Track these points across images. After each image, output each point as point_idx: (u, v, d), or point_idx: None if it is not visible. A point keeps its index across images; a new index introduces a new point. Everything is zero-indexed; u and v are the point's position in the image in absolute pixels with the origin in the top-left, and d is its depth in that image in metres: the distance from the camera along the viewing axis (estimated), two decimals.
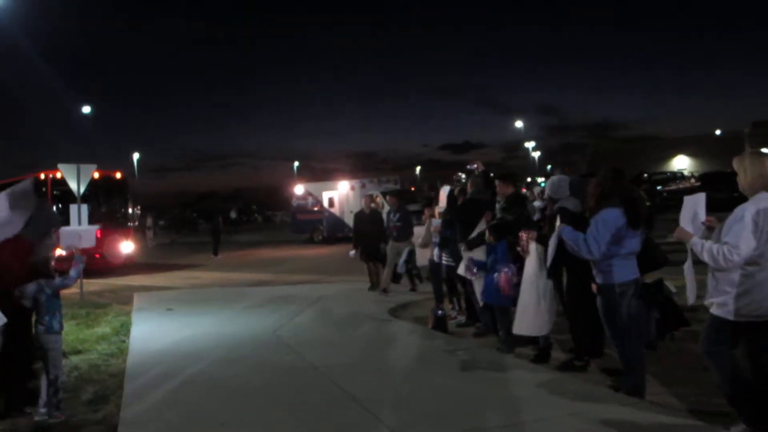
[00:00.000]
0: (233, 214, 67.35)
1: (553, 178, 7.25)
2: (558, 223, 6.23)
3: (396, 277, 13.20)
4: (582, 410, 5.41)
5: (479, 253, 8.03)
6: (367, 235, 13.65)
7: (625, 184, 5.95)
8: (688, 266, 5.05)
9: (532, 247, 6.97)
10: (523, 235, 7.07)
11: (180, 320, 10.93)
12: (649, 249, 5.92)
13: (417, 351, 7.93)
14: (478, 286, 8.31)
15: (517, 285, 7.33)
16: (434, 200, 10.92)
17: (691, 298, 5.08)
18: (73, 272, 6.16)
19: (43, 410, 5.86)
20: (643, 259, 5.85)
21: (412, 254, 13.08)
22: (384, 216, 14.56)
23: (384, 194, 31.91)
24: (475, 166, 10.95)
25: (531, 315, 7.01)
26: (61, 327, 6.14)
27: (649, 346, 5.84)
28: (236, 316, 11.13)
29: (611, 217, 5.63)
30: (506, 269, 7.38)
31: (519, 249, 7.15)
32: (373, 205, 14.61)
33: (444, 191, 9.41)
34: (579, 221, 6.11)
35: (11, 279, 5.87)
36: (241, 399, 6.31)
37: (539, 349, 7.27)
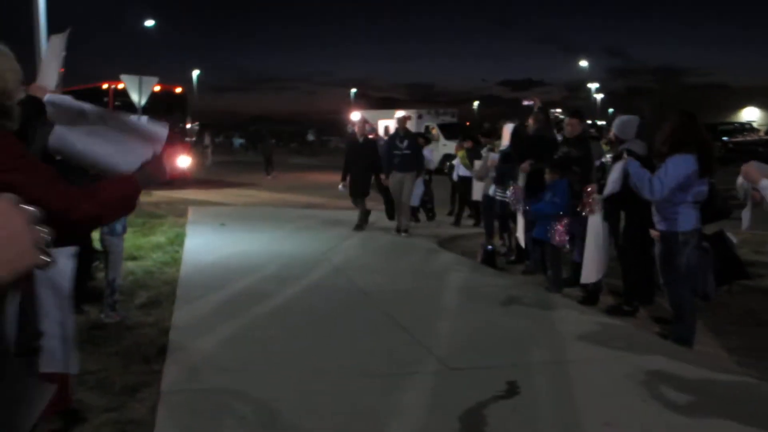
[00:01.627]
0: (311, 137, 67.36)
1: (623, 117, 7.01)
2: (623, 159, 6.05)
3: (413, 212, 12.77)
4: (628, 355, 5.38)
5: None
6: (358, 167, 12.11)
7: (700, 131, 5.75)
8: (746, 212, 4.81)
9: (596, 198, 6.79)
10: (587, 190, 6.89)
11: (232, 236, 11.14)
12: (713, 198, 5.76)
13: (465, 283, 7.94)
14: (520, 223, 8.28)
15: (570, 237, 7.28)
16: (492, 134, 10.71)
17: (745, 222, 4.74)
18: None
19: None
20: (707, 209, 5.69)
21: (427, 186, 12.93)
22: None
23: (440, 127, 31.69)
24: (532, 102, 10.67)
25: (596, 262, 6.92)
26: (124, 230, 6.31)
27: (704, 297, 5.74)
28: (287, 236, 11.28)
29: (684, 162, 5.46)
30: (564, 221, 7.26)
31: (580, 207, 6.97)
32: (371, 134, 13.85)
33: (508, 128, 9.18)
34: (645, 165, 5.95)
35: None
36: (290, 317, 6.43)
37: (588, 292, 7.21)
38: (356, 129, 12.86)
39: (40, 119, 2.73)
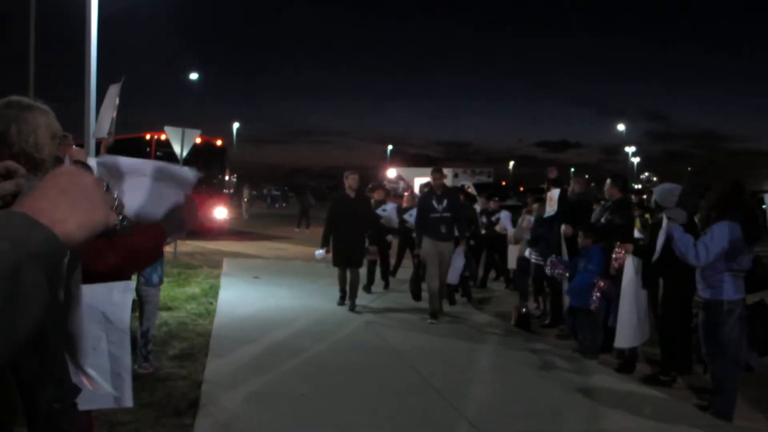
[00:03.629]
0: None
1: (665, 185, 7.00)
2: (665, 222, 6.00)
3: (450, 293, 10.35)
4: (664, 426, 5.27)
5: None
6: (349, 229, 9.80)
7: (746, 198, 5.72)
8: None
9: (629, 260, 6.75)
10: (621, 249, 6.86)
11: (266, 289, 11.19)
12: (756, 267, 5.67)
13: (498, 346, 7.85)
14: (566, 286, 8.17)
15: (605, 299, 7.19)
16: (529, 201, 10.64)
17: None
18: None
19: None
20: (750, 278, 5.60)
21: (470, 261, 10.71)
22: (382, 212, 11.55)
23: (476, 186, 31.70)
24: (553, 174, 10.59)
25: (632, 327, 6.81)
26: (160, 281, 6.38)
27: (747, 368, 5.59)
28: (320, 291, 11.28)
29: (728, 230, 5.41)
30: (601, 285, 7.19)
31: (613, 260, 6.93)
32: (404, 189, 12.77)
33: (554, 194, 9.12)
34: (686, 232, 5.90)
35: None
36: (322, 373, 6.41)
37: (624, 359, 7.07)
38: (347, 182, 10.11)
39: None
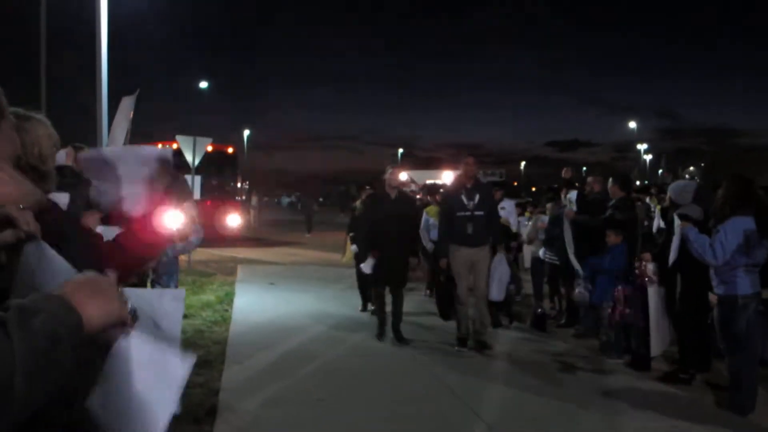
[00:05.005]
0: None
1: (679, 182, 7.00)
2: (677, 223, 5.98)
3: (495, 313, 8.37)
4: (684, 425, 5.23)
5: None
6: (389, 237, 7.83)
7: (757, 193, 5.69)
8: None
9: (651, 268, 6.71)
10: (642, 259, 6.84)
11: (280, 295, 11.22)
12: None
13: (515, 347, 7.82)
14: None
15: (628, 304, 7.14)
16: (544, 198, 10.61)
17: None
18: (194, 239, 6.40)
19: None
20: (765, 272, 5.57)
21: (514, 271, 9.33)
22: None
23: None
24: (567, 175, 10.55)
25: (664, 331, 6.78)
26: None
27: (763, 363, 5.56)
28: (334, 296, 11.29)
29: (742, 225, 5.39)
30: (620, 289, 7.13)
31: (637, 271, 6.90)
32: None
33: (573, 195, 9.07)
34: (700, 230, 5.87)
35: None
36: (338, 378, 6.42)
37: (639, 356, 7.03)
38: (388, 179, 8.18)
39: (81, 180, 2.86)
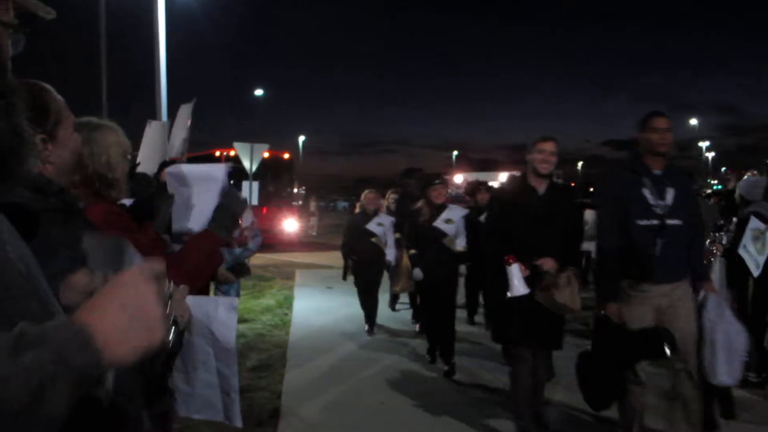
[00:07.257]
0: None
1: (749, 178, 6.75)
2: (753, 225, 5.74)
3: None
4: (755, 428, 5.06)
5: None
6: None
7: None
8: None
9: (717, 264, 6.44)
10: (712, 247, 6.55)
11: (339, 299, 11.21)
12: None
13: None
14: None
15: None
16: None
17: None
18: (252, 244, 6.45)
19: None
20: None
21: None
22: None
23: None
24: None
25: None
26: (237, 294, 6.46)
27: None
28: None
29: None
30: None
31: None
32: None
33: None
34: None
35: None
36: (399, 383, 6.38)
37: None
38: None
39: (165, 193, 2.86)
